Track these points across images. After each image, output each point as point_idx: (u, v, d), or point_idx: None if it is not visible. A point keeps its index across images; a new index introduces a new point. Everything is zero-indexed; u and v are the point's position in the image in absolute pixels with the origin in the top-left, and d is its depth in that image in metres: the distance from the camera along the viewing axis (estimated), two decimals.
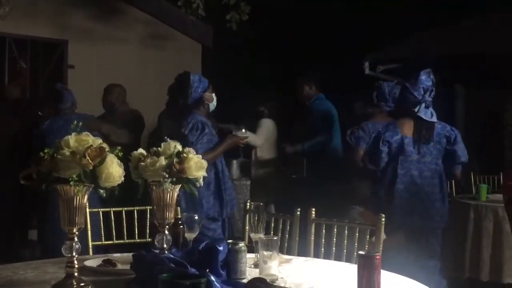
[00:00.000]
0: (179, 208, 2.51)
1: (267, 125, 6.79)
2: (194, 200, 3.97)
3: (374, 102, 4.98)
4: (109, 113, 6.08)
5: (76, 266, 1.95)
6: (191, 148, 3.83)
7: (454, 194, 6.45)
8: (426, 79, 4.29)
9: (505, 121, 9.00)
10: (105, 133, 5.32)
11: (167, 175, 2.21)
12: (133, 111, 6.22)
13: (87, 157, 1.86)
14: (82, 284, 1.94)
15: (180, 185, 2.28)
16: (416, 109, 4.25)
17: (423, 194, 4.28)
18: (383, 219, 2.80)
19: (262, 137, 6.67)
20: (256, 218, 2.54)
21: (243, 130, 4.46)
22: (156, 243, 2.30)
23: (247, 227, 3.25)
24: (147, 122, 6.61)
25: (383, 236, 2.81)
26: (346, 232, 2.93)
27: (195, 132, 4.12)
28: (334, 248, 2.96)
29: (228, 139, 4.29)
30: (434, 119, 4.29)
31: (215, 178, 4.19)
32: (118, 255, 2.59)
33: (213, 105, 4.35)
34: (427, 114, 4.26)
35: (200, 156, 2.32)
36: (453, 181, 6.13)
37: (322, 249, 3.00)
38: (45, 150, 1.89)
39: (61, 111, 5.18)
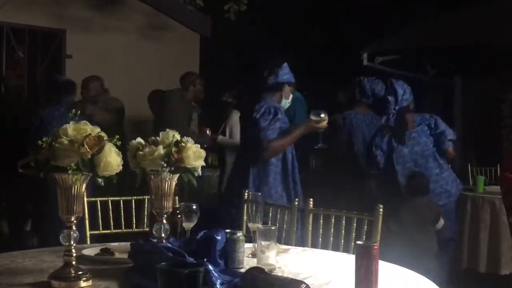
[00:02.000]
0: (177, 198, 2.50)
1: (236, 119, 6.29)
2: (263, 189, 3.81)
3: (356, 98, 5.26)
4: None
5: (74, 254, 1.96)
6: (263, 133, 3.79)
7: None
8: (402, 90, 4.79)
9: (503, 112, 8.99)
10: (89, 114, 5.27)
11: (165, 165, 2.21)
12: (114, 99, 6.19)
13: (86, 146, 1.86)
14: (80, 272, 1.94)
15: (178, 175, 2.28)
16: (388, 118, 4.78)
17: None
18: (381, 210, 2.80)
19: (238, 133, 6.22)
20: (254, 208, 2.54)
21: (322, 115, 4.05)
22: (154, 232, 2.30)
23: (245, 217, 3.25)
24: (146, 111, 6.62)
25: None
26: (343, 222, 2.93)
27: (267, 116, 3.92)
28: (331, 238, 2.96)
29: (300, 125, 4.07)
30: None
31: (282, 169, 3.98)
32: (116, 244, 2.59)
33: (287, 102, 4.15)
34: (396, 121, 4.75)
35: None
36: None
37: (320, 239, 3.01)
38: (44, 139, 1.89)
39: (64, 100, 5.18)
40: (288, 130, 4.01)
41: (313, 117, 4.07)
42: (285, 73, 4.11)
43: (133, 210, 3.34)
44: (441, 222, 4.51)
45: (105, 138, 1.92)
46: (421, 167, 4.65)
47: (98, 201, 3.29)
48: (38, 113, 5.21)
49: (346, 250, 2.84)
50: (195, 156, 2.26)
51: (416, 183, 4.50)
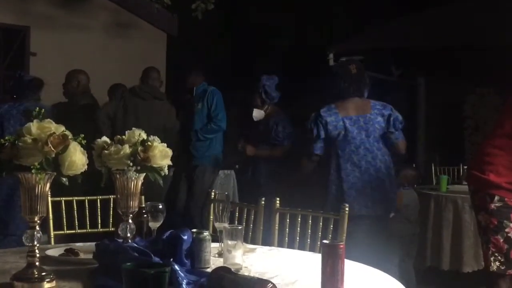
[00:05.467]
0: (143, 197, 2.48)
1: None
2: None
3: (263, 98, 5.51)
4: (69, 103, 5.93)
5: (38, 255, 1.92)
6: None
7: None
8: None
9: (465, 113, 9.16)
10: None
11: (131, 164, 2.19)
12: (87, 105, 5.97)
13: (50, 145, 1.83)
14: (43, 273, 1.91)
15: (144, 174, 2.26)
16: None
17: None
18: (347, 209, 2.82)
19: None
20: (221, 207, 2.53)
21: None
22: (119, 232, 2.27)
23: (211, 217, 3.25)
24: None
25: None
26: (310, 221, 2.95)
27: None
28: (298, 238, 2.98)
29: None
30: None
31: None
32: (80, 244, 2.56)
33: None
34: None
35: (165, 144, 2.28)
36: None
37: (286, 239, 3.02)
38: (6, 137, 1.85)
39: (24, 98, 5.11)
40: None
41: None
42: None
43: (99, 209, 3.30)
44: None
45: (69, 137, 1.89)
46: None
47: (63, 201, 3.24)
48: None
49: (312, 249, 2.86)
50: (161, 155, 2.25)
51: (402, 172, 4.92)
